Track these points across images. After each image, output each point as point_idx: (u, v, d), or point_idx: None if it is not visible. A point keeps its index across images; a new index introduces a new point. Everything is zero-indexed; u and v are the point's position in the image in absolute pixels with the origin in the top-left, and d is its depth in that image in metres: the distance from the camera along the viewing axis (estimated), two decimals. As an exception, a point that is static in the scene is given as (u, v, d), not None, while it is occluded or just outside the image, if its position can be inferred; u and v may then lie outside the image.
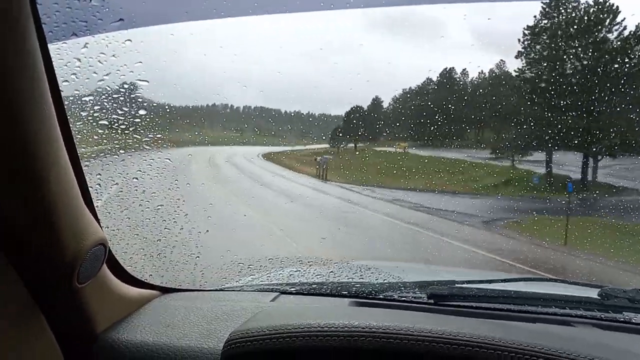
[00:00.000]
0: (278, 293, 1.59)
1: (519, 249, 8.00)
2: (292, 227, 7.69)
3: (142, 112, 2.02)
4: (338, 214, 9.38)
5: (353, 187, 12.57)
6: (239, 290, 1.69)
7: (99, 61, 1.89)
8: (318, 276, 1.90)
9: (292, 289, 1.64)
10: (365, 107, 16.69)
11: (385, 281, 1.73)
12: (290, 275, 1.97)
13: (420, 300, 1.54)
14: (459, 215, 10.05)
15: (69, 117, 1.12)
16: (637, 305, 1.51)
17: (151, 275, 1.61)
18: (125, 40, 1.92)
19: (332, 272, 1.97)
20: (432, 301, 1.52)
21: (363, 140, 16.91)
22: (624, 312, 1.50)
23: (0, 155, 0.80)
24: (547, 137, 11.82)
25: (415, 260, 6.73)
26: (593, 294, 1.58)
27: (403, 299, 1.55)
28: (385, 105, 16.92)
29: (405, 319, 0.97)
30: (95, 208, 1.19)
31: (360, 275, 1.90)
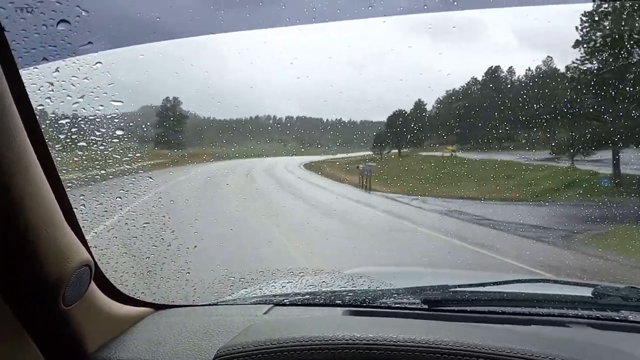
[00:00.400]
0: (271, 305, 1.59)
1: (630, 276, 5.99)
2: (321, 255, 6.04)
3: (119, 132, 2.07)
4: (383, 234, 8.04)
5: (400, 198, 11.35)
6: (232, 304, 1.71)
7: (71, 84, 1.96)
8: (310, 286, 1.92)
9: (285, 301, 1.64)
10: (408, 111, 16.16)
11: (378, 288, 1.73)
12: (282, 286, 1.99)
13: (414, 306, 1.53)
14: (531, 230, 8.41)
15: (47, 141, 1.16)
16: (631, 303, 1.50)
17: (143, 292, 1.64)
18: (96, 63, 1.98)
19: (324, 282, 1.97)
20: (426, 307, 1.51)
21: (407, 145, 16.40)
22: (618, 311, 1.49)
23: None
24: (612, 133, 10.70)
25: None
26: (587, 293, 1.57)
27: (397, 305, 1.55)
28: (428, 108, 16.41)
29: (400, 327, 1.00)
30: (82, 229, 1.21)
31: (353, 284, 1.89)
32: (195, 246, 3.12)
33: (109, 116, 1.94)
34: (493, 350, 0.89)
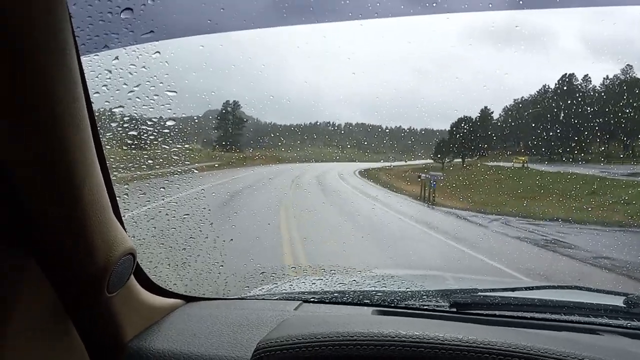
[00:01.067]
0: (300, 302, 1.61)
1: None
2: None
3: (170, 123, 2.09)
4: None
5: (473, 217, 8.94)
6: (262, 299, 1.73)
7: (129, 73, 2.00)
8: (340, 285, 1.93)
9: (314, 298, 1.67)
10: (473, 119, 15.36)
11: (407, 289, 1.74)
12: (312, 283, 2.00)
13: (443, 308, 1.55)
14: None
15: (99, 128, 1.18)
16: None
17: (175, 284, 1.65)
18: (155, 52, 2.01)
19: (354, 280, 2.00)
20: (454, 310, 1.53)
21: (472, 154, 15.55)
22: None
23: (39, 161, 0.84)
24: None
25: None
26: (618, 301, 1.58)
27: (425, 307, 1.56)
28: (495, 116, 15.60)
29: (430, 328, 0.99)
30: (123, 219, 1.23)
31: (383, 284, 1.92)
32: (232, 239, 3.12)
33: (163, 106, 1.96)
34: (528, 350, 0.88)
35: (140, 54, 1.97)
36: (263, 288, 1.98)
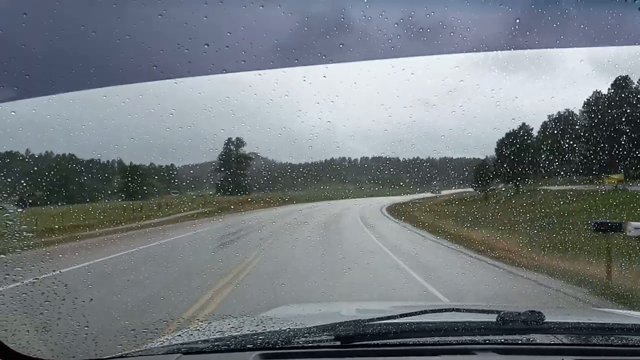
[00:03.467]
0: (179, 355, 1.56)
1: None
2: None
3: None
4: None
5: None
6: (139, 356, 1.67)
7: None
8: (218, 332, 1.90)
9: (194, 348, 1.64)
10: (520, 137, 14.23)
11: (290, 329, 1.73)
12: (190, 334, 1.98)
13: (327, 343, 1.57)
14: None
15: None
16: (532, 327, 1.60)
17: (39, 350, 1.59)
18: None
19: (232, 327, 2.00)
20: (339, 343, 1.56)
21: (523, 179, 13.94)
22: (521, 334, 1.59)
23: None
24: None
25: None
26: (492, 318, 1.65)
27: (310, 345, 1.57)
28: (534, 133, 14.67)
29: None
30: None
31: (264, 327, 1.91)
32: (92, 299, 3.05)
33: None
34: None
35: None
36: (139, 345, 1.92)
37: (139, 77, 1.64)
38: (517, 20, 1.73)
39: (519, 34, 1.80)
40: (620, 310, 3.22)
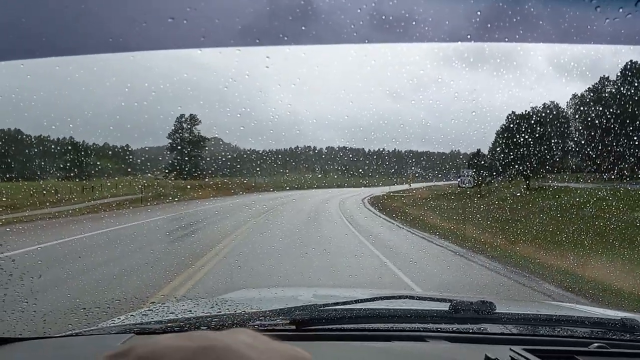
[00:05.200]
0: (132, 335, 1.57)
1: None
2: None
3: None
4: None
5: None
6: (89, 335, 1.67)
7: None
8: (172, 314, 1.91)
9: (146, 329, 1.64)
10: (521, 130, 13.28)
11: (245, 312, 1.76)
12: (143, 315, 1.98)
13: (282, 327, 1.60)
14: None
15: None
16: (483, 316, 1.68)
17: None
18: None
19: (186, 309, 2.02)
20: (294, 327, 1.59)
21: (532, 173, 12.73)
22: (472, 324, 1.67)
23: None
24: None
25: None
26: (445, 307, 1.72)
27: (266, 328, 1.60)
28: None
29: None
30: None
31: (219, 309, 1.91)
32: (40, 276, 3.02)
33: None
34: None
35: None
36: (90, 324, 1.93)
37: (94, 49, 1.60)
38: (479, 13, 1.78)
39: (482, 27, 1.86)
40: (567, 304, 3.45)
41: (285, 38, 1.77)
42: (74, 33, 1.51)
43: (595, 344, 1.56)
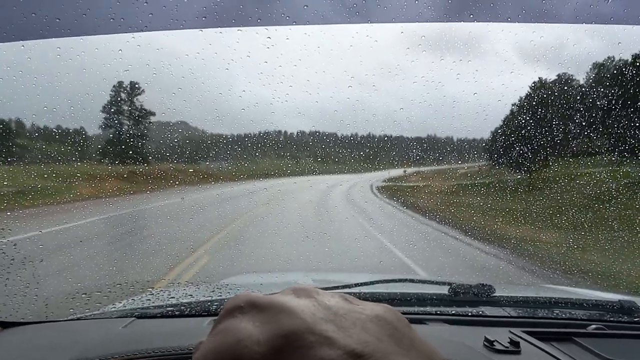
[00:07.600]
0: (133, 318, 1.63)
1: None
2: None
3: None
4: None
5: None
6: (91, 319, 1.72)
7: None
8: (172, 299, 1.96)
9: (147, 313, 1.71)
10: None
11: None
12: (145, 300, 2.04)
13: None
14: None
15: None
16: (482, 299, 1.74)
17: None
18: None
19: (187, 294, 2.07)
20: None
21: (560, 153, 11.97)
22: (472, 307, 1.71)
23: None
24: None
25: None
26: (444, 290, 1.77)
27: None
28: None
29: None
30: None
31: (219, 294, 1.96)
32: (42, 260, 3.08)
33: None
34: None
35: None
36: (93, 309, 1.99)
37: (56, 32, 1.63)
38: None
39: (452, 8, 1.96)
40: (564, 287, 3.38)
41: (249, 18, 1.83)
42: (39, 13, 1.53)
43: (593, 326, 1.59)
